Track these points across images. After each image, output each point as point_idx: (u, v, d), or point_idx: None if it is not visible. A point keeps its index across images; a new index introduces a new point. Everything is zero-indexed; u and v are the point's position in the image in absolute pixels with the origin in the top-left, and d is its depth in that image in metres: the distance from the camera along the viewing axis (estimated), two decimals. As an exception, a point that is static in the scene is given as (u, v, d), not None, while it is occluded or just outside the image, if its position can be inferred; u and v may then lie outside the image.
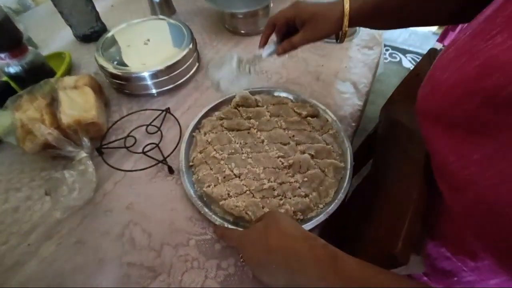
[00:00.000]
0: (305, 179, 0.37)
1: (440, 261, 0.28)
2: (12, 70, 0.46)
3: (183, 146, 0.42)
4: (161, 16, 0.61)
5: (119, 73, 0.48)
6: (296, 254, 0.23)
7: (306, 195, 0.36)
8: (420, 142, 0.28)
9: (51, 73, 0.51)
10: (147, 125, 0.45)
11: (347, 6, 0.33)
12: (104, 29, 0.63)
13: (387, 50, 1.96)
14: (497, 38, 0.17)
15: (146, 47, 0.52)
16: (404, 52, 1.80)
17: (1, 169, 0.42)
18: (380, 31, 0.64)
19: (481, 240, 0.21)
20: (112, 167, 0.41)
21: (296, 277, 0.23)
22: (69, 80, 0.45)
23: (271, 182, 0.37)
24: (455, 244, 0.27)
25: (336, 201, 0.36)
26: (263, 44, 0.40)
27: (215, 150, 0.41)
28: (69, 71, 0.55)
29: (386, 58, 1.90)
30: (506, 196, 0.17)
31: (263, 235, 0.25)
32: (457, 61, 0.21)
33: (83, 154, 0.39)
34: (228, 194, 0.36)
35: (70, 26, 0.60)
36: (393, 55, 1.78)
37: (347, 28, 0.35)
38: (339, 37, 0.37)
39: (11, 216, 0.37)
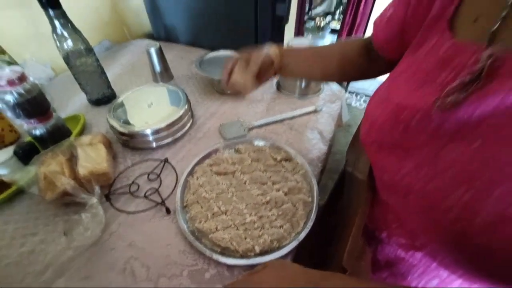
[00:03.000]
0: (280, 212, 0.46)
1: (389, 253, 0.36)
2: (38, 132, 0.55)
3: (178, 189, 0.50)
4: (161, 83, 0.75)
5: (126, 131, 0.58)
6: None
7: (281, 226, 0.44)
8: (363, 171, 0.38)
9: (68, 133, 0.61)
10: (149, 173, 0.54)
11: (276, 53, 0.47)
12: (113, 94, 0.76)
13: (361, 97, 2.19)
14: (401, 87, 0.28)
15: (150, 109, 0.64)
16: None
17: (20, 217, 0.48)
18: (340, 88, 0.79)
19: (424, 230, 0.29)
20: (118, 209, 0.48)
21: None
22: (85, 138, 0.55)
23: (252, 216, 0.45)
24: (401, 235, 0.34)
25: (306, 229, 0.43)
26: (227, 83, 0.47)
27: (205, 191, 0.49)
28: (82, 131, 0.66)
29: (361, 104, 2.12)
30: (433, 192, 0.25)
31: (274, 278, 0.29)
32: (382, 103, 0.31)
33: (94, 200, 0.46)
34: (216, 228, 0.43)
35: (85, 93, 0.73)
36: (366, 101, 2.00)
37: (278, 65, 0.48)
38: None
39: (27, 258, 0.42)
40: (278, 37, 0.95)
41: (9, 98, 0.49)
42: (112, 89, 0.76)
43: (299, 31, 1.87)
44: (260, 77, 0.47)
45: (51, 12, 0.57)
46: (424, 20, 0.29)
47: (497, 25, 0.22)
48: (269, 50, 0.47)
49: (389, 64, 0.39)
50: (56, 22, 0.58)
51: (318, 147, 0.61)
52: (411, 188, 0.27)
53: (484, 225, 0.21)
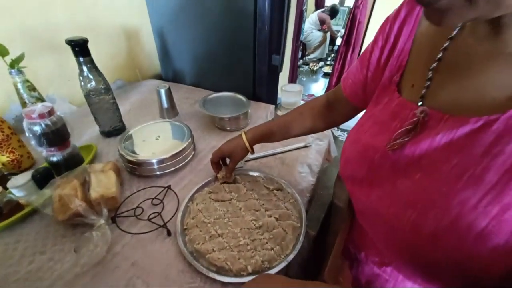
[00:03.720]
0: (271, 236, 0.50)
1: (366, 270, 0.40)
2: (55, 159, 0.62)
3: (179, 214, 0.55)
4: (167, 119, 0.84)
5: (134, 160, 0.65)
6: None
7: (271, 248, 0.49)
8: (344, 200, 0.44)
9: (81, 161, 0.67)
10: (152, 199, 0.59)
11: (245, 139, 0.58)
12: (123, 127, 0.84)
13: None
14: (367, 132, 0.36)
15: (157, 141, 0.71)
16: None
17: (30, 236, 0.52)
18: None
19: (388, 248, 0.34)
20: (123, 231, 0.52)
21: None
22: (98, 166, 0.61)
23: (246, 239, 0.50)
24: (375, 254, 0.39)
25: (294, 251, 0.48)
26: (217, 172, 0.62)
27: (204, 216, 0.54)
28: (94, 159, 0.72)
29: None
30: (392, 216, 0.31)
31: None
32: (353, 143, 0.39)
33: (102, 221, 0.51)
34: (213, 249, 0.48)
35: (99, 125, 0.81)
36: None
37: (251, 149, 0.59)
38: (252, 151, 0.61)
39: (35, 274, 0.45)
40: (273, 83, 1.08)
41: (37, 128, 0.56)
42: (123, 123, 0.84)
43: (293, 77, 2.06)
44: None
45: (81, 59, 0.68)
46: (379, 83, 0.39)
47: (423, 91, 0.31)
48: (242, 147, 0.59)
49: (355, 110, 0.48)
50: (84, 67, 0.69)
51: (307, 180, 0.67)
52: (377, 214, 0.34)
53: (428, 237, 0.28)
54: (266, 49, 0.94)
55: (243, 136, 0.58)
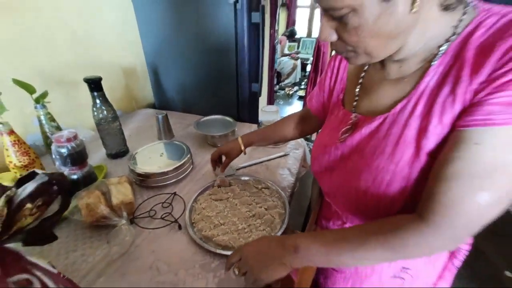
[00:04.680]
0: (262, 221, 0.64)
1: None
2: (75, 176, 0.72)
3: (187, 212, 0.68)
4: (165, 140, 0.98)
5: (144, 173, 0.78)
6: (274, 249, 0.45)
7: (263, 229, 0.62)
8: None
9: (95, 179, 0.78)
10: (162, 202, 0.72)
11: (241, 142, 0.74)
12: (127, 150, 0.96)
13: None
14: (326, 134, 0.53)
15: (161, 157, 0.85)
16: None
17: (61, 239, 0.62)
18: (302, 139, 1.07)
19: (345, 210, 0.50)
20: (141, 227, 0.64)
21: (275, 259, 0.44)
22: (114, 179, 0.73)
23: (243, 225, 0.63)
24: (338, 220, 0.54)
25: (281, 230, 0.62)
26: (214, 169, 0.78)
27: (207, 212, 0.67)
28: (104, 176, 0.83)
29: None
30: (344, 189, 0.47)
31: (259, 253, 0.46)
32: (317, 145, 0.55)
33: (123, 221, 0.62)
34: (217, 234, 0.60)
35: (106, 148, 0.93)
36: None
37: (244, 151, 0.75)
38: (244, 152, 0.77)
39: (71, 267, 0.55)
40: (254, 106, 1.26)
41: (64, 150, 0.68)
42: (127, 146, 0.96)
43: (271, 100, 2.30)
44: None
45: (95, 93, 0.82)
46: (331, 101, 0.57)
47: (354, 104, 0.49)
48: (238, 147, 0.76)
49: (321, 123, 0.67)
50: (97, 100, 0.83)
51: (287, 179, 0.83)
52: (337, 189, 0.50)
53: (363, 194, 0.44)
54: (246, 78, 1.13)
55: (240, 140, 0.74)
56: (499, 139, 0.31)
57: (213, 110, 1.20)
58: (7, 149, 0.70)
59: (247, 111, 1.22)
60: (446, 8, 0.36)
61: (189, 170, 0.85)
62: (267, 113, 1.05)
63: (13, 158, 0.69)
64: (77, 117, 1.04)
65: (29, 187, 0.41)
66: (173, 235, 0.63)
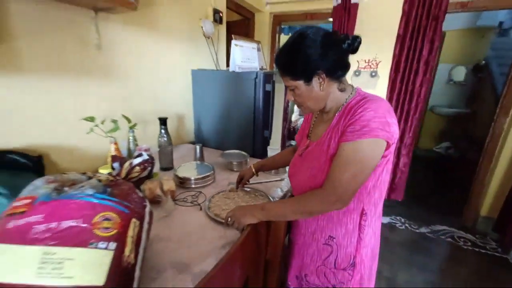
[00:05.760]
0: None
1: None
2: (144, 174, 1.17)
3: (206, 202, 1.05)
4: (198, 162, 1.42)
5: (182, 177, 1.19)
6: (250, 209, 0.83)
7: (253, 214, 0.97)
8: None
9: (152, 177, 1.21)
10: (192, 195, 1.11)
11: (253, 168, 1.14)
12: (173, 167, 1.41)
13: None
14: (297, 153, 0.93)
15: (195, 170, 1.27)
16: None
17: (131, 207, 1.02)
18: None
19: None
20: (179, 204, 1.02)
21: (250, 212, 0.82)
22: (165, 177, 1.15)
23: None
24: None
25: (264, 216, 0.96)
26: (237, 187, 1.16)
27: (219, 204, 1.04)
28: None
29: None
30: (304, 179, 0.85)
31: (246, 209, 0.84)
32: (292, 162, 0.94)
33: (169, 200, 1.02)
34: (223, 213, 0.96)
35: (160, 163, 1.38)
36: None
37: (256, 173, 1.14)
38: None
39: (137, 219, 0.94)
40: (264, 147, 1.69)
41: (145, 156, 1.14)
42: (173, 164, 1.42)
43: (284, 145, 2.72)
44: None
45: (163, 126, 1.32)
46: (303, 135, 0.98)
47: (310, 135, 0.90)
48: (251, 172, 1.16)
49: None
50: (163, 131, 1.33)
51: (277, 194, 1.18)
52: (299, 182, 0.87)
53: (310, 181, 0.80)
54: (260, 127, 1.59)
55: (252, 167, 1.14)
56: (351, 147, 0.68)
57: (235, 146, 1.64)
58: (109, 153, 1.18)
59: (260, 149, 1.65)
60: (341, 90, 0.78)
61: (211, 181, 1.26)
62: (272, 150, 1.46)
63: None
64: (148, 141, 1.55)
65: (139, 159, 0.85)
66: (195, 212, 1.00)
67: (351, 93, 0.78)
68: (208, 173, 1.24)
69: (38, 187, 0.61)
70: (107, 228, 0.57)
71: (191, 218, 0.96)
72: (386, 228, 2.31)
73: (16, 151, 0.97)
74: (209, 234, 0.87)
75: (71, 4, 1.07)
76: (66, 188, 0.61)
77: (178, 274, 0.69)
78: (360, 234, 0.80)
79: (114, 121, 1.18)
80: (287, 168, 1.39)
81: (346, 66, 0.77)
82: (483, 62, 3.64)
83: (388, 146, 0.69)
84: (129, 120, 1.28)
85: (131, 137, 1.29)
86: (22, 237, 0.52)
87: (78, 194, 0.59)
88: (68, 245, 0.52)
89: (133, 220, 0.63)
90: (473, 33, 3.97)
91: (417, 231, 2.29)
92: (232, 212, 0.84)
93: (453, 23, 3.93)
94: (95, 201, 0.59)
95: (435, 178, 3.51)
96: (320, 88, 0.75)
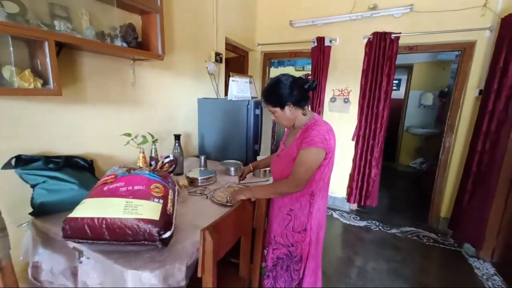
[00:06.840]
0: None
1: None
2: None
3: (211, 193, 1.46)
4: (203, 168, 1.84)
5: (192, 177, 1.61)
6: (242, 190, 1.24)
7: (244, 199, 1.38)
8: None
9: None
10: (199, 189, 1.52)
11: (251, 166, 1.59)
12: (183, 172, 1.83)
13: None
14: (276, 154, 1.36)
15: (201, 172, 1.69)
16: (334, 209, 2.98)
17: (157, 196, 1.43)
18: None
19: None
20: (191, 194, 1.43)
21: (242, 192, 1.23)
22: (180, 177, 1.57)
23: (235, 197, 1.40)
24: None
25: (251, 200, 1.37)
26: (239, 180, 1.59)
27: (221, 192, 1.45)
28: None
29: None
30: (279, 172, 1.26)
31: (240, 190, 1.26)
32: (274, 161, 1.37)
33: (186, 191, 1.43)
34: (223, 198, 1.37)
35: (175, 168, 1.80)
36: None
37: (253, 170, 1.59)
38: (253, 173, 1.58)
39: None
40: (255, 156, 2.12)
41: (166, 160, 1.57)
42: (183, 170, 1.83)
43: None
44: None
45: (177, 141, 1.76)
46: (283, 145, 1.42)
47: (285, 142, 1.34)
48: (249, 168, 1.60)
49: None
50: (177, 144, 1.76)
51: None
52: (276, 175, 1.30)
53: (283, 172, 1.23)
54: (251, 142, 2.04)
55: (250, 165, 1.57)
56: (305, 152, 1.13)
57: (231, 157, 2.07)
58: (139, 159, 1.60)
59: (251, 159, 2.07)
60: (304, 114, 1.24)
61: (213, 182, 1.67)
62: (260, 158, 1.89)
63: (141, 163, 1.59)
64: (163, 153, 1.98)
65: (167, 159, 1.29)
66: (203, 200, 1.40)
67: (310, 117, 1.24)
68: (211, 175, 1.66)
69: (116, 170, 1.03)
70: (157, 192, 0.99)
71: (200, 203, 1.37)
72: (362, 230, 2.68)
73: (78, 156, 1.39)
74: (213, 212, 1.27)
75: (119, 57, 1.56)
76: (131, 171, 1.04)
77: (194, 229, 1.09)
78: (310, 209, 1.21)
79: (144, 137, 1.62)
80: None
81: (307, 99, 1.23)
82: (446, 89, 4.23)
83: (327, 153, 1.13)
84: (153, 136, 1.72)
85: (153, 149, 1.72)
86: (113, 194, 0.94)
87: (141, 173, 1.02)
88: (139, 198, 0.94)
89: (170, 190, 1.05)
90: (436, 65, 4.64)
91: (389, 232, 2.66)
92: (230, 194, 1.25)
93: (419, 57, 4.61)
94: (150, 177, 1.02)
95: (409, 190, 3.92)
96: (290, 113, 1.21)
